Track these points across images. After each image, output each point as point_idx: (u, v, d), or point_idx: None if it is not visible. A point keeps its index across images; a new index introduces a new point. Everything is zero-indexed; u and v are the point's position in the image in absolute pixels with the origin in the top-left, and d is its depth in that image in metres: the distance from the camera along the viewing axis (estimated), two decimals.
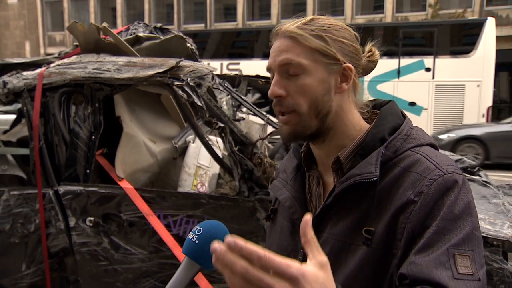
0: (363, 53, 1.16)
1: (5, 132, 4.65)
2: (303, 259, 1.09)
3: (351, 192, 1.05)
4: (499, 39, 15.13)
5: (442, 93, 14.94)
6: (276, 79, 1.09)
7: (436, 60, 14.88)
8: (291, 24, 1.09)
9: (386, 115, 1.13)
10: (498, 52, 14.85)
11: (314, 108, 1.08)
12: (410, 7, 23.01)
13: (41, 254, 2.98)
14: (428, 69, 14.93)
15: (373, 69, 1.18)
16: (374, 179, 1.02)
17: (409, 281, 0.93)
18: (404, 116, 1.15)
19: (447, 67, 14.83)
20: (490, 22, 14.75)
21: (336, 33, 1.08)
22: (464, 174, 2.51)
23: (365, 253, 1.01)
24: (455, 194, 0.98)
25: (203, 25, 22.50)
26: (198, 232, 0.99)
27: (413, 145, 1.07)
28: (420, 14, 21.89)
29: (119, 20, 27.18)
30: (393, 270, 0.99)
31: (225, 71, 16.16)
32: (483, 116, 14.60)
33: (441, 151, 1.28)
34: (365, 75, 1.18)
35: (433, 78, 14.94)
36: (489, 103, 14.76)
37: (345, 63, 1.08)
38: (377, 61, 1.18)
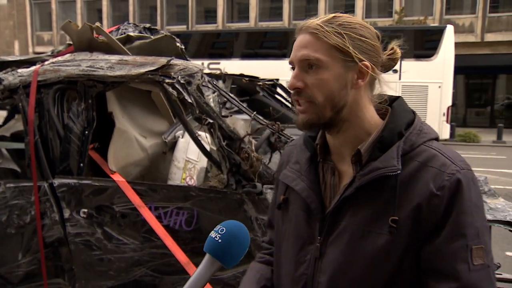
0: (385, 50, 1.16)
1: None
2: (321, 246, 1.13)
3: (371, 184, 1.06)
4: (456, 45, 15.41)
5: (408, 93, 15.13)
6: (295, 72, 1.10)
7: (402, 62, 15.05)
8: (313, 21, 1.09)
9: (400, 111, 1.14)
10: (456, 57, 15.15)
11: (330, 101, 1.08)
12: (378, 13, 23.26)
13: (36, 244, 2.90)
14: (395, 71, 15.03)
15: (393, 67, 1.18)
16: (398, 172, 1.03)
17: (428, 267, 1.02)
18: (413, 111, 1.17)
19: (412, 69, 15.03)
20: (450, 29, 15.05)
21: (356, 31, 1.08)
22: None
23: (388, 241, 1.03)
24: (470, 189, 1.02)
25: (185, 26, 22.32)
26: (221, 231, 0.99)
27: (425, 139, 1.09)
28: (387, 20, 22.15)
29: (105, 21, 26.81)
30: (413, 253, 1.03)
31: (205, 71, 16.04)
32: (444, 115, 14.88)
33: None
34: (385, 71, 1.17)
35: (399, 79, 15.12)
36: (449, 103, 15.06)
37: (362, 60, 1.08)
38: (398, 59, 1.17)
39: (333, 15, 1.11)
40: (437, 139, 1.13)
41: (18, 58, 3.58)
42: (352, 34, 1.07)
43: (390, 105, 1.17)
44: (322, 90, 1.07)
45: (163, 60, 2.81)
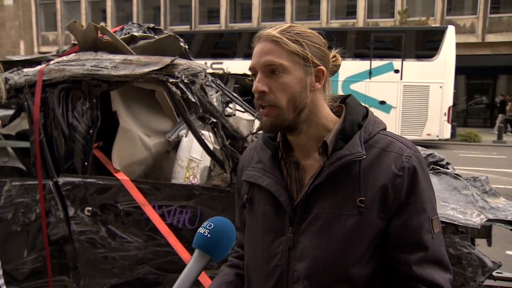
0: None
1: (5, 126, 4.51)
2: (293, 235, 1.18)
3: (339, 171, 1.14)
4: (457, 45, 15.36)
5: (409, 93, 15.13)
6: (259, 77, 1.16)
7: (404, 62, 15.04)
8: (272, 30, 1.16)
9: (354, 105, 1.25)
10: (457, 57, 15.10)
11: (292, 103, 1.15)
12: (380, 13, 23.20)
13: (41, 241, 2.90)
14: (396, 71, 15.09)
15: (336, 72, 1.28)
16: (363, 157, 1.13)
17: (398, 241, 1.13)
18: (365, 106, 1.28)
19: (414, 70, 15.01)
20: (451, 29, 15.00)
21: (311, 39, 1.16)
22: (438, 167, 2.59)
23: (357, 221, 1.12)
24: (423, 169, 1.17)
25: (188, 26, 22.31)
26: (209, 227, 1.05)
27: (380, 128, 1.21)
28: (389, 20, 22.11)
29: (109, 22, 26.82)
30: (380, 231, 1.14)
31: (209, 70, 16.05)
32: (445, 114, 14.84)
33: None
34: (331, 76, 1.26)
35: (401, 79, 15.10)
36: (450, 103, 15.02)
37: (319, 65, 1.17)
38: (340, 65, 1.27)
39: (289, 25, 1.18)
40: (385, 129, 1.24)
41: (24, 58, 3.58)
42: (308, 41, 1.16)
43: (343, 103, 1.27)
44: (285, 93, 1.14)
45: (167, 60, 2.81)
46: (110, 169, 2.93)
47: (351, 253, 1.13)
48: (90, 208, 2.83)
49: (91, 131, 2.90)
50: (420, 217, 1.13)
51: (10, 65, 3.44)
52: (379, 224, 1.13)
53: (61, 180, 2.88)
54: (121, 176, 2.86)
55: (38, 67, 3.07)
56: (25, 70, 3.11)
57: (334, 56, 1.25)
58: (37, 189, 2.88)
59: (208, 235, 1.02)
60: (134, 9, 27.26)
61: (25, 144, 3.18)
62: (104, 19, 27.38)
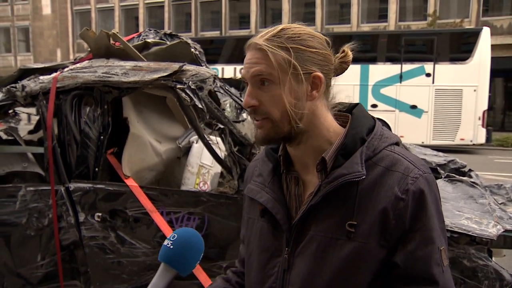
0: (336, 54, 1.13)
1: (30, 132, 4.63)
2: (289, 257, 1.09)
3: (337, 191, 1.04)
4: (494, 47, 14.93)
5: (442, 97, 14.78)
6: (249, 90, 1.08)
7: (436, 66, 14.72)
8: (261, 36, 1.07)
9: (360, 117, 1.13)
10: (493, 59, 14.68)
11: (286, 116, 1.06)
12: (412, 16, 22.81)
13: (54, 246, 2.94)
14: (428, 75, 14.78)
15: (346, 70, 1.14)
16: (363, 177, 1.02)
17: (404, 273, 1.00)
18: (373, 117, 1.16)
19: (446, 73, 14.67)
20: (486, 31, 14.61)
21: (305, 43, 1.05)
22: (454, 175, 2.44)
23: (354, 247, 1.01)
24: (433, 194, 1.04)
25: (218, 32, 22.51)
26: (172, 238, 1.01)
27: (387, 144, 1.08)
28: (421, 23, 21.70)
29: (141, 28, 27.35)
30: (382, 260, 1.02)
31: (238, 75, 16.15)
32: (479, 119, 14.43)
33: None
34: (338, 75, 1.14)
35: (433, 83, 14.77)
36: (485, 107, 14.60)
37: (314, 72, 1.05)
38: (350, 62, 1.13)
39: (281, 27, 1.08)
40: (397, 143, 1.11)
41: (42, 66, 3.66)
42: (302, 46, 1.05)
43: (350, 112, 1.15)
44: (277, 106, 1.05)
45: (175, 66, 2.81)
46: (120, 175, 2.95)
47: (347, 282, 1.03)
48: (100, 214, 2.85)
49: (102, 137, 2.93)
50: (428, 247, 1.00)
51: (29, 73, 3.52)
52: (380, 252, 1.01)
53: (72, 185, 2.91)
54: (130, 182, 2.87)
55: (53, 75, 3.13)
56: (41, 77, 3.17)
57: (343, 52, 1.13)
58: (50, 194, 2.93)
59: (171, 247, 0.98)
60: (166, 15, 27.73)
61: (39, 150, 3.24)
62: (137, 26, 27.97)
